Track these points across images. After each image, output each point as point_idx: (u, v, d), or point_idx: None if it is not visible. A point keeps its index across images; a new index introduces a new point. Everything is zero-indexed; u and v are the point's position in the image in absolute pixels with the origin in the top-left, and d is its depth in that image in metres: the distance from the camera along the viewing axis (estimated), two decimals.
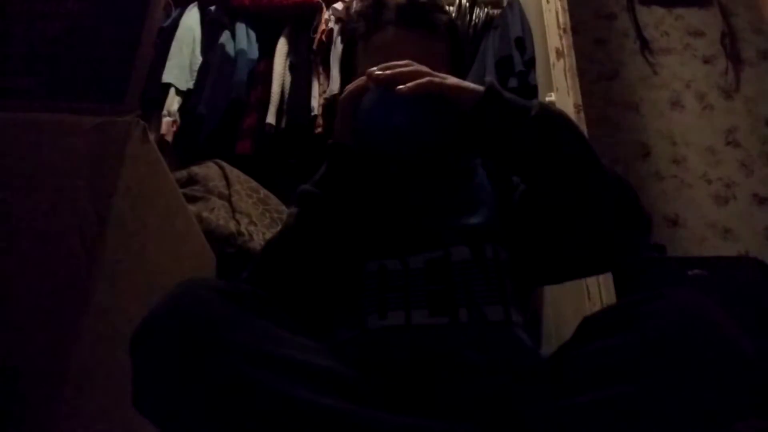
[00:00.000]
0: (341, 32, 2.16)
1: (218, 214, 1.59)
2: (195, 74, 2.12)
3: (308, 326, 0.71)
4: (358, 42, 0.91)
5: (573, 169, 0.70)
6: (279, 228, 0.87)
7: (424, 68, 0.73)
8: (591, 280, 1.38)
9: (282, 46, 2.19)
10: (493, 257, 0.76)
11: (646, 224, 0.74)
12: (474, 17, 2.25)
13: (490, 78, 0.77)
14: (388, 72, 0.73)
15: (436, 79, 0.71)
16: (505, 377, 0.65)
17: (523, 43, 2.08)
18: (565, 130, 0.72)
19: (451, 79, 0.73)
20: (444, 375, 0.66)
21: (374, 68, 0.74)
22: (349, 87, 0.78)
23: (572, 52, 1.71)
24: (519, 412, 0.60)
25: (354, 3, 2.21)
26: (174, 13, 2.24)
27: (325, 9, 2.24)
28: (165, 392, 0.56)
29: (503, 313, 0.71)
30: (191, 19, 2.22)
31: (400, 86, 0.70)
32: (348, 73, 0.95)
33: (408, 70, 0.72)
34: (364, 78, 0.75)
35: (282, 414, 0.54)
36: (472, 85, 0.73)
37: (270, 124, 2.02)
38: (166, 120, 1.99)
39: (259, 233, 1.63)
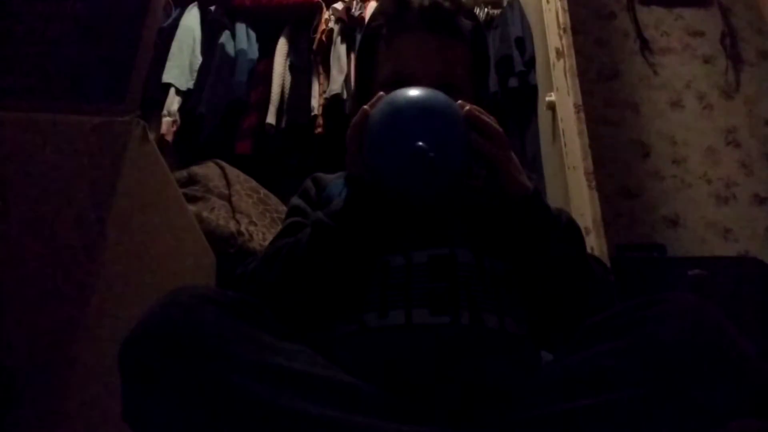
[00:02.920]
0: (342, 32, 2.16)
1: (218, 214, 1.59)
2: (195, 74, 2.12)
3: (301, 323, 0.70)
4: (378, 42, 0.90)
5: (571, 274, 0.73)
6: (281, 229, 0.86)
7: (506, 139, 0.73)
8: None
9: (282, 46, 2.19)
10: (489, 267, 0.76)
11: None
12: None
13: (534, 181, 0.78)
14: (481, 116, 0.72)
15: (502, 154, 0.72)
16: (504, 383, 0.65)
17: (523, 43, 2.08)
18: (581, 242, 0.79)
19: (514, 163, 0.74)
20: (444, 378, 0.65)
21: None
22: (354, 119, 0.75)
23: (572, 52, 1.71)
24: (520, 416, 0.59)
25: (354, 3, 2.21)
26: (174, 13, 2.24)
27: (325, 9, 2.24)
28: (154, 405, 0.56)
29: (498, 322, 0.71)
30: (191, 19, 2.22)
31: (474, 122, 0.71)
32: (365, 71, 0.93)
33: (495, 128, 0.72)
34: (366, 108, 0.73)
35: (272, 424, 0.54)
36: (524, 180, 0.74)
37: (270, 124, 2.02)
38: (166, 120, 1.99)
39: (259, 233, 1.63)
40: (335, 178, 0.92)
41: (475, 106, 0.73)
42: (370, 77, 0.90)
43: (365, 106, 0.73)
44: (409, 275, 0.73)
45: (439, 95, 0.72)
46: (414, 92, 0.72)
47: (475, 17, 0.93)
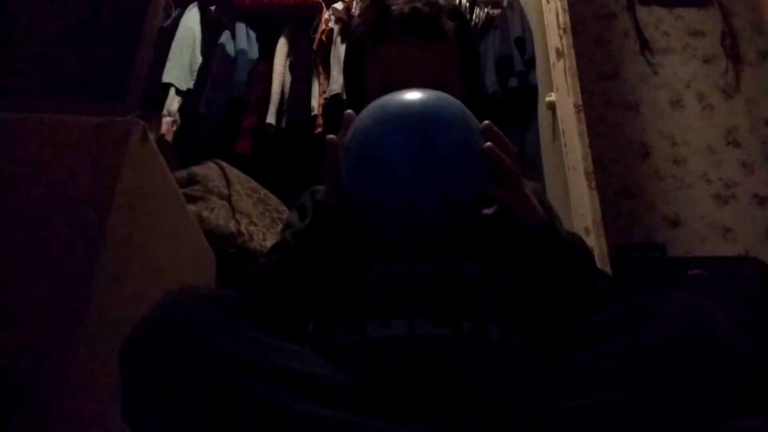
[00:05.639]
0: (342, 32, 2.16)
1: (218, 214, 1.59)
2: (195, 74, 2.12)
3: (301, 329, 0.71)
4: (364, 52, 0.90)
5: (580, 294, 0.73)
6: (272, 246, 0.86)
7: (520, 175, 0.70)
8: None
9: (282, 46, 2.19)
10: (494, 277, 0.75)
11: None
12: (474, 17, 2.25)
13: (548, 213, 0.76)
14: (504, 158, 0.66)
15: (516, 196, 0.69)
16: (504, 389, 0.65)
17: (523, 43, 2.08)
18: (592, 269, 0.77)
19: (528, 199, 0.71)
20: (444, 386, 0.65)
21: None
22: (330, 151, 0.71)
23: (572, 52, 1.71)
24: (518, 416, 0.59)
25: (354, 3, 2.21)
26: (174, 13, 2.25)
27: (325, 9, 2.24)
28: (153, 404, 0.56)
29: (500, 333, 0.70)
30: (191, 19, 2.22)
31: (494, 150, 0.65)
32: (353, 80, 0.93)
33: (514, 169, 0.67)
34: (332, 138, 0.70)
35: (271, 423, 0.54)
36: (539, 212, 0.72)
37: (270, 124, 2.02)
38: (166, 120, 1.99)
39: (259, 233, 1.63)
40: None
41: (496, 138, 0.67)
42: (360, 86, 0.90)
43: (331, 136, 0.70)
44: (412, 284, 0.72)
45: (447, 108, 0.57)
46: (409, 107, 0.56)
47: (459, 17, 0.92)
